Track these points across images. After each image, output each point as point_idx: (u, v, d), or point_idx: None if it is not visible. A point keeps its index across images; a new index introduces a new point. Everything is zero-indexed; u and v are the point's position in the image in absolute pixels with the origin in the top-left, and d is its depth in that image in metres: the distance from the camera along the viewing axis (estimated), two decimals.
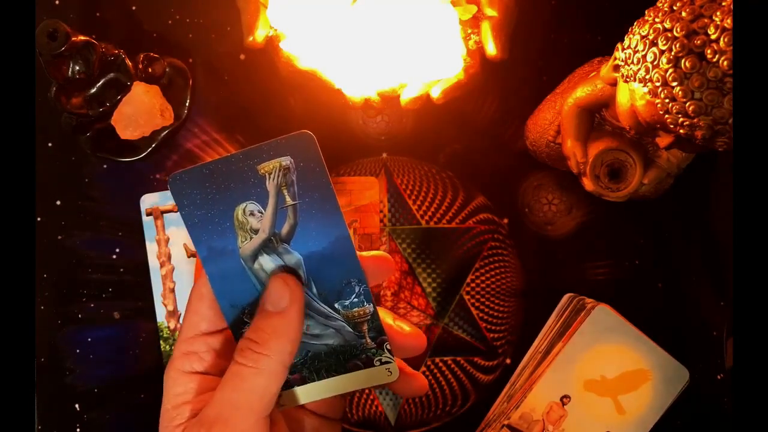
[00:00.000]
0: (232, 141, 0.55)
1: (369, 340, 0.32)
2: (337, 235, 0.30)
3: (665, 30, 0.35)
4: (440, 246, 0.54)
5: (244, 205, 0.30)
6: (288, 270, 0.31)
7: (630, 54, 0.38)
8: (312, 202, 0.30)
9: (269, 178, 0.30)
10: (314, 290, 0.31)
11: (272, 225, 0.30)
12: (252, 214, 0.30)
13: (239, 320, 0.31)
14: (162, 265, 0.53)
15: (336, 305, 0.31)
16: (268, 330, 0.29)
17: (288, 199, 0.30)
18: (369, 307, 0.31)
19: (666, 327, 0.52)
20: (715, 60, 0.33)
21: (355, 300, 0.31)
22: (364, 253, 0.32)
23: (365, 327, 0.31)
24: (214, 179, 0.30)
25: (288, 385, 0.32)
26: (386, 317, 0.33)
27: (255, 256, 0.30)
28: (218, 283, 0.31)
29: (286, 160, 0.29)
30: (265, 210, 0.30)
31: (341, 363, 0.32)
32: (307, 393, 0.32)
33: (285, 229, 0.30)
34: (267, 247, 0.30)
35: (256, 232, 0.30)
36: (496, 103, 0.55)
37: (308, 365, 0.32)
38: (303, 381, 0.32)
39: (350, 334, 0.31)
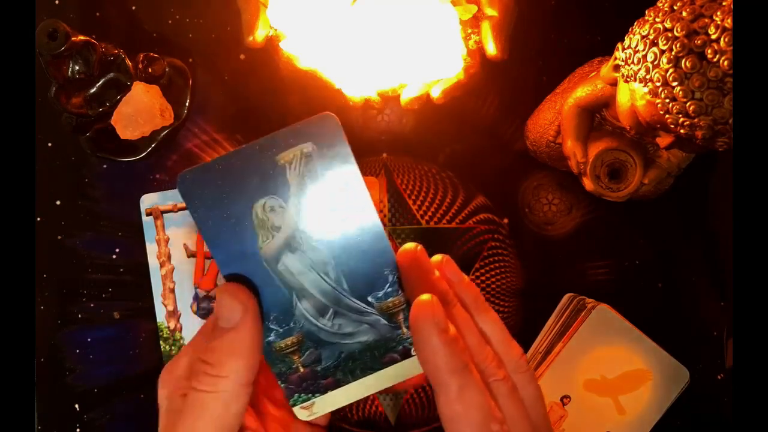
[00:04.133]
0: (232, 141, 0.55)
1: (405, 330, 0.29)
2: (366, 224, 0.28)
3: (666, 30, 0.35)
4: (440, 246, 0.54)
5: (264, 200, 0.27)
6: (315, 268, 0.28)
7: (630, 54, 0.38)
8: (338, 190, 0.27)
9: (290, 168, 0.27)
10: (345, 286, 0.29)
11: (296, 220, 0.28)
12: (273, 210, 0.27)
13: (264, 328, 0.29)
14: (162, 265, 0.53)
15: (369, 298, 0.29)
16: (222, 349, 0.27)
17: (312, 189, 0.27)
18: (404, 296, 0.29)
19: (666, 327, 0.52)
20: (715, 60, 0.33)
21: (390, 290, 0.29)
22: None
23: (401, 317, 0.29)
24: (228, 175, 0.27)
25: (321, 391, 0.30)
26: None
27: (278, 256, 0.28)
28: None
29: (307, 147, 0.27)
30: (286, 204, 0.27)
31: (376, 359, 0.29)
32: (342, 396, 0.30)
33: (310, 224, 0.28)
34: (291, 245, 0.28)
35: (278, 229, 0.28)
36: (496, 103, 0.55)
37: (342, 367, 0.29)
38: (337, 384, 0.30)
39: (385, 327, 0.29)
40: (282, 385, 0.30)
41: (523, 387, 0.29)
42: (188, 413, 0.27)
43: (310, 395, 0.30)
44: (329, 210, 0.28)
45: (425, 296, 0.26)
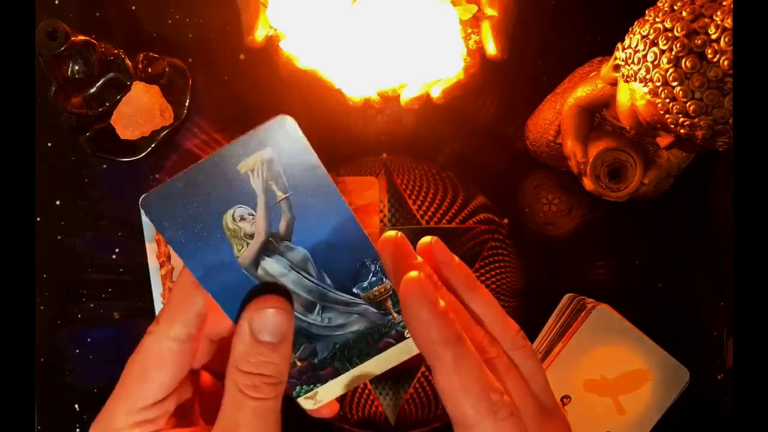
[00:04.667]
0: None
1: (395, 315, 0.30)
2: (339, 218, 0.28)
3: (666, 30, 0.35)
4: None
5: (232, 211, 0.27)
6: (295, 267, 0.29)
7: (630, 54, 0.38)
8: (305, 190, 0.27)
9: (253, 175, 0.27)
10: (328, 281, 0.29)
11: (267, 225, 0.28)
12: (243, 218, 0.27)
13: None
14: (162, 265, 0.53)
15: (354, 290, 0.29)
16: (278, 361, 0.28)
17: (279, 193, 0.27)
18: (389, 283, 0.29)
19: (666, 327, 0.52)
20: (715, 60, 0.33)
21: (374, 279, 0.29)
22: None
23: (389, 303, 0.30)
24: (191, 191, 0.27)
25: (322, 381, 0.30)
26: None
27: (257, 262, 0.28)
28: (224, 300, 0.28)
29: (267, 152, 0.27)
30: (255, 211, 0.27)
31: (372, 345, 0.30)
32: (342, 384, 0.31)
33: (282, 226, 0.28)
34: (267, 249, 0.28)
35: (251, 236, 0.28)
36: (496, 103, 0.55)
37: (338, 357, 0.30)
38: (336, 373, 0.30)
39: (375, 315, 0.30)
40: None
41: (522, 363, 0.29)
42: (255, 422, 0.27)
43: (311, 386, 0.30)
44: (299, 210, 0.28)
45: (412, 273, 0.27)
